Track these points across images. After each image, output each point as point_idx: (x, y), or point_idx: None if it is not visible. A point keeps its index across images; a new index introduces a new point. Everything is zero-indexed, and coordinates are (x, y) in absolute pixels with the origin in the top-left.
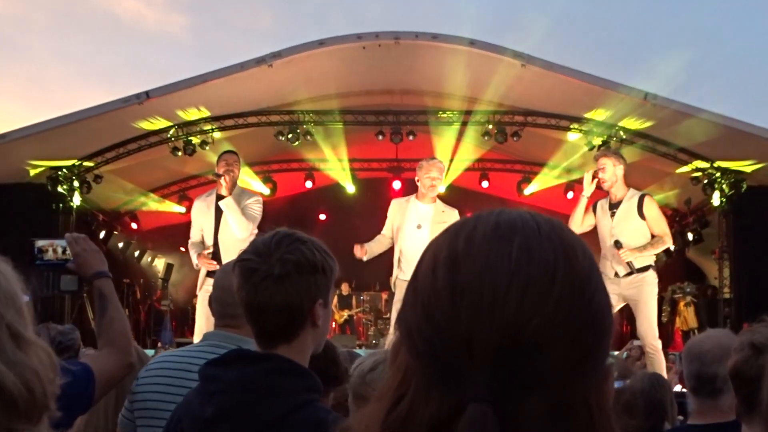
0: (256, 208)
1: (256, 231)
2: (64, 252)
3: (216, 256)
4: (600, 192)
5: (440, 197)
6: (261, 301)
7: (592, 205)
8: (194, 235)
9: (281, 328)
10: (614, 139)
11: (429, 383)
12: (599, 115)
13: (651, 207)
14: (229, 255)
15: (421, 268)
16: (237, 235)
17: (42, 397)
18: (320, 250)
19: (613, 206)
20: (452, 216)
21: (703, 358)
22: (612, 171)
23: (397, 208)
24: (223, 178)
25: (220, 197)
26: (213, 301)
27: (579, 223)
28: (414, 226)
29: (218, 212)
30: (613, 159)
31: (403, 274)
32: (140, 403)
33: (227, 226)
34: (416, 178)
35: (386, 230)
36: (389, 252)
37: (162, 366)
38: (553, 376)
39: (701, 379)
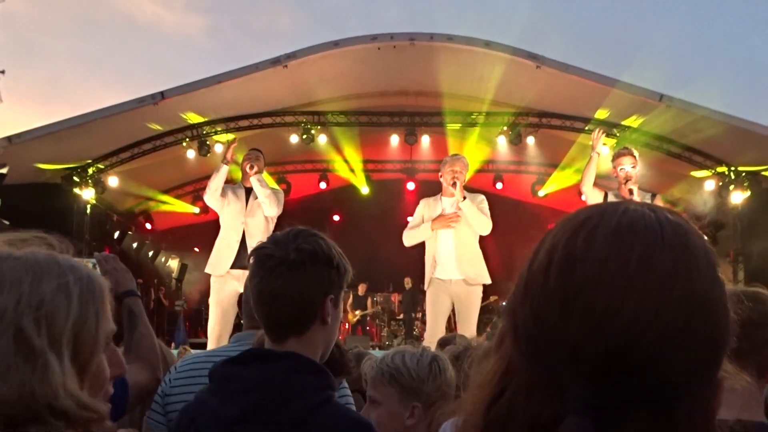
0: (280, 193)
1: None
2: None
3: (243, 242)
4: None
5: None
6: (274, 288)
7: (604, 193)
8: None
9: (292, 318)
10: (629, 140)
11: (531, 383)
12: (614, 116)
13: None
14: (253, 240)
15: (534, 263)
16: (266, 212)
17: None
18: (336, 248)
19: None
20: (476, 199)
21: None
22: (637, 169)
23: (427, 206)
24: (250, 168)
25: (246, 189)
26: (244, 302)
27: (591, 182)
28: None
29: (246, 199)
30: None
31: (440, 272)
32: (174, 405)
33: (253, 212)
34: (440, 175)
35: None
36: (402, 255)
37: (195, 367)
38: (661, 392)
39: None
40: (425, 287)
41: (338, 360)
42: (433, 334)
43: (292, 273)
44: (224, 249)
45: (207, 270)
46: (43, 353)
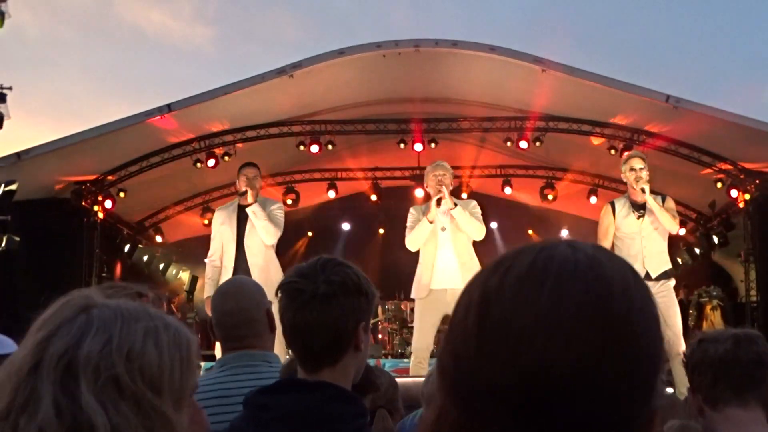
0: (279, 214)
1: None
2: None
3: (242, 261)
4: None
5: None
6: (308, 322)
7: (609, 203)
8: (214, 250)
9: (326, 349)
10: (636, 142)
11: (460, 426)
12: (621, 118)
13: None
14: (256, 261)
15: (458, 308)
16: (265, 241)
17: None
18: (363, 276)
19: (640, 207)
20: (468, 205)
21: None
22: (647, 170)
23: (420, 210)
24: (247, 193)
25: (242, 207)
26: (216, 327)
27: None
28: (439, 230)
29: (240, 221)
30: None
31: (439, 282)
32: None
33: (253, 233)
34: (425, 186)
35: None
36: (413, 263)
37: (198, 397)
38: (583, 426)
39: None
40: (416, 296)
41: (365, 377)
42: (424, 347)
43: (324, 306)
44: (221, 275)
45: (205, 296)
46: (157, 406)
